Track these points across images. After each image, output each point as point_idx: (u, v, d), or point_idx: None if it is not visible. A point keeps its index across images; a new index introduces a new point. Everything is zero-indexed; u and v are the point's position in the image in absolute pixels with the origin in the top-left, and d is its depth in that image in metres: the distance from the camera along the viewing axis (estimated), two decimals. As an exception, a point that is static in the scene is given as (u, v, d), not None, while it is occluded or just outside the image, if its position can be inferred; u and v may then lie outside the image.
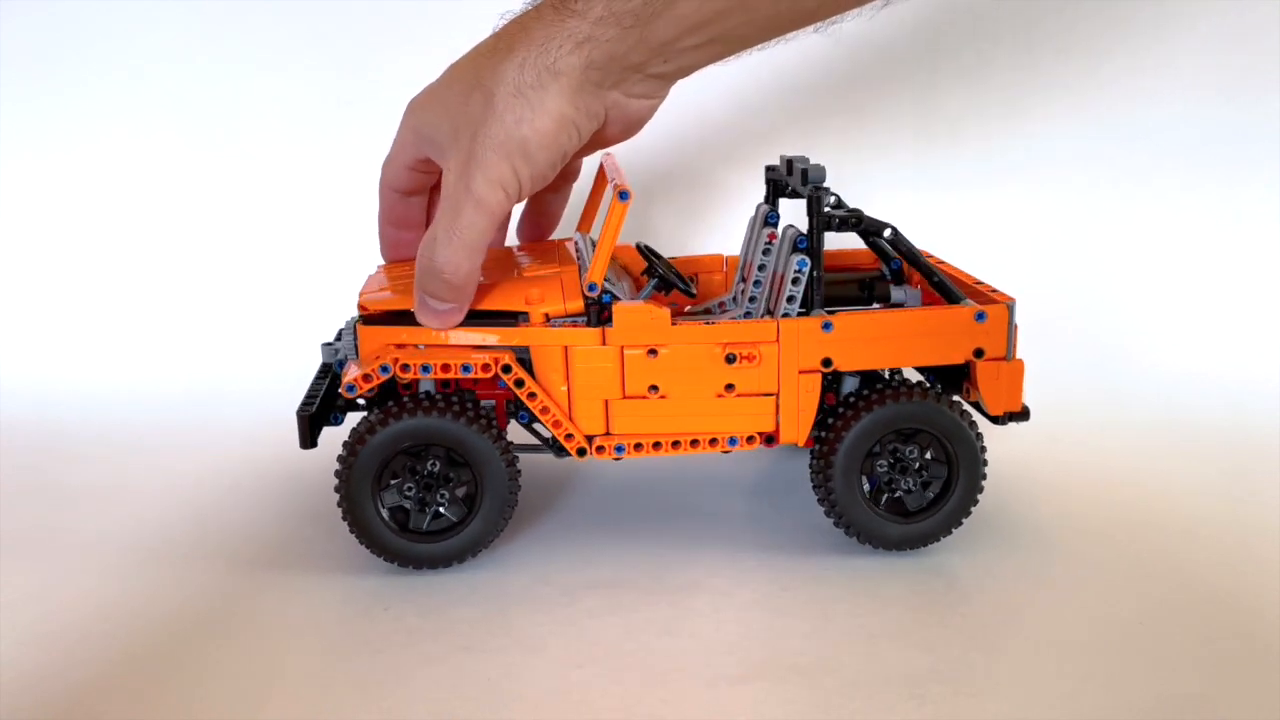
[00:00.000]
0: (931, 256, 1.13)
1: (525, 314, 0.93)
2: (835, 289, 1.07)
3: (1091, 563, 0.97)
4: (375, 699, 0.78)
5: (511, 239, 1.15)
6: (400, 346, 0.93)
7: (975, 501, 0.97)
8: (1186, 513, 1.07)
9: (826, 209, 0.95)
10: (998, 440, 1.07)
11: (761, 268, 1.03)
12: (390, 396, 0.98)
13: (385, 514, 0.93)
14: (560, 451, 0.95)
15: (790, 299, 0.94)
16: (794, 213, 1.07)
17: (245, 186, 1.52)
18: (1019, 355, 0.97)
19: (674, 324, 0.92)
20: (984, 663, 0.82)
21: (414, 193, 1.00)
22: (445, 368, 0.91)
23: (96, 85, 1.50)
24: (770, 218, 1.07)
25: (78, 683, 0.80)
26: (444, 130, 0.88)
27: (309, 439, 0.95)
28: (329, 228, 1.49)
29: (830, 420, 0.96)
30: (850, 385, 1.00)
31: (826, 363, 0.94)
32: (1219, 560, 0.97)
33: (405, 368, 0.91)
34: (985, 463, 0.97)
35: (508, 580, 0.95)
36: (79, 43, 1.49)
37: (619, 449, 0.94)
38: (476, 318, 0.93)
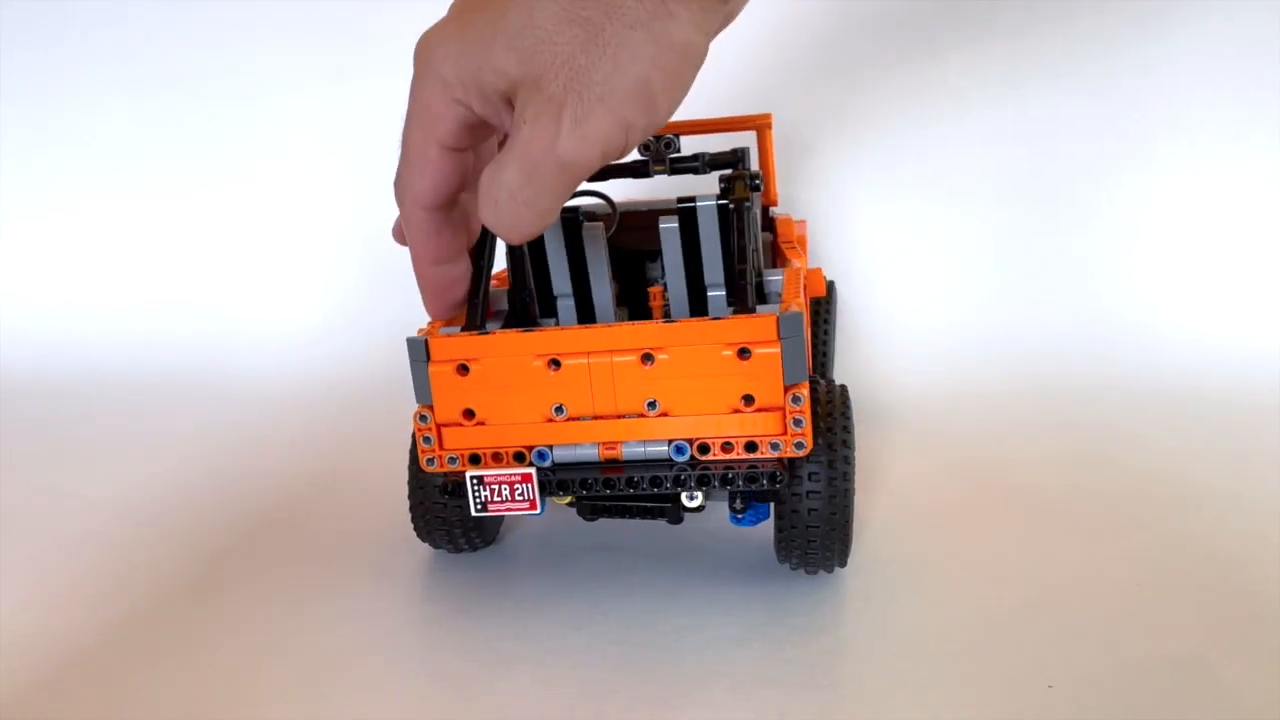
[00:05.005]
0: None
1: None
2: None
3: (1086, 528, 0.97)
4: (369, 695, 0.76)
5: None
6: None
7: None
8: (1183, 478, 1.07)
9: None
10: (996, 407, 1.07)
11: None
12: None
13: None
14: None
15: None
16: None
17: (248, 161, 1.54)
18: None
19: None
20: (980, 627, 0.82)
21: (456, 193, 0.74)
22: None
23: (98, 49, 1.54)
24: None
25: (71, 646, 0.79)
26: (515, 74, 0.65)
27: None
28: (333, 198, 1.50)
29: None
30: None
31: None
32: (1214, 525, 0.97)
33: None
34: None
35: (504, 588, 0.93)
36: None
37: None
38: None
